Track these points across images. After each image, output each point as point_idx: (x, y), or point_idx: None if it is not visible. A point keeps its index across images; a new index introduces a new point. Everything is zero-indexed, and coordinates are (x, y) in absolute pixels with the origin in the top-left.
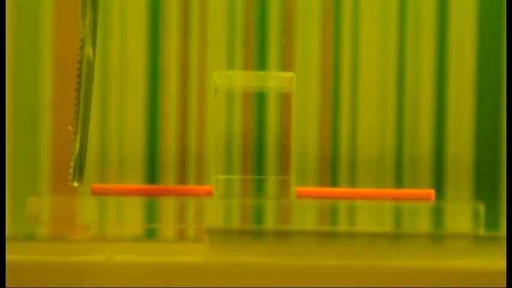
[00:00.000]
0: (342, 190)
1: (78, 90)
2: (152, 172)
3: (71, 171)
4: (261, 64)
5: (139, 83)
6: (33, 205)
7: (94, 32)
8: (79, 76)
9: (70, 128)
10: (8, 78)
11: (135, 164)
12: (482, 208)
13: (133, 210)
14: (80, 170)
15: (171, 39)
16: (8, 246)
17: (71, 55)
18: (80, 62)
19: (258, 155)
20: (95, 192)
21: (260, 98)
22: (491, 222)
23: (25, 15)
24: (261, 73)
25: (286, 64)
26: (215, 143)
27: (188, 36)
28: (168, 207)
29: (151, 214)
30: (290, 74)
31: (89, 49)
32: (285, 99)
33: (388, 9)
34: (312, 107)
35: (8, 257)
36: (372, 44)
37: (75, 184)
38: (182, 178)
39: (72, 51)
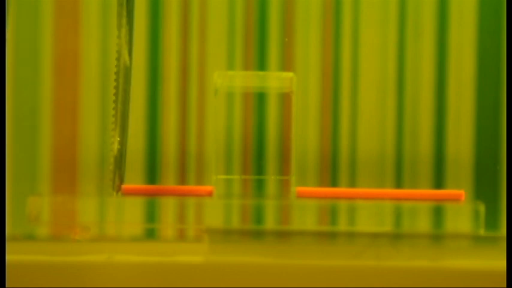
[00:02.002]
0: (342, 190)
1: (115, 101)
2: (152, 172)
3: (111, 181)
4: (261, 64)
5: (140, 83)
6: (33, 205)
7: (130, 42)
8: (116, 87)
9: (113, 138)
10: (8, 78)
11: (135, 164)
12: (482, 208)
13: (133, 210)
14: (120, 179)
15: (171, 39)
16: (8, 246)
17: (71, 55)
18: (117, 72)
19: (258, 155)
20: (125, 193)
21: (260, 98)
22: (491, 222)
23: (25, 15)
24: (261, 73)
25: (286, 64)
26: (215, 143)
27: (188, 36)
28: (168, 207)
29: (151, 214)
30: (290, 74)
31: (126, 58)
32: (285, 99)
33: (388, 9)
34: (312, 107)
35: (8, 257)
36: (372, 44)
37: (116, 193)
38: (182, 178)
39: (72, 51)
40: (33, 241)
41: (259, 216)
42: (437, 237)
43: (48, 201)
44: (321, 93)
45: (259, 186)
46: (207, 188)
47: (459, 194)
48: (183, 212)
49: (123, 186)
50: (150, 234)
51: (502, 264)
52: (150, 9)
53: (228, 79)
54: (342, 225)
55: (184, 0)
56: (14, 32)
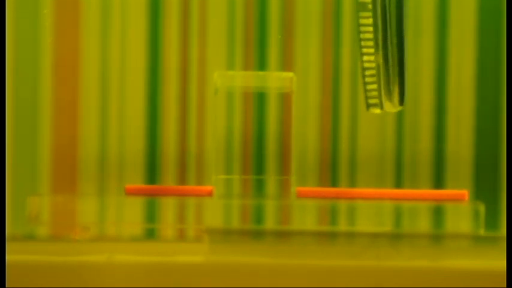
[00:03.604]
0: (342, 190)
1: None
2: (152, 172)
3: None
4: (261, 64)
5: (139, 83)
6: (33, 205)
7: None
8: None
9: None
10: (8, 78)
11: (135, 164)
12: (482, 208)
13: (133, 210)
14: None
15: (171, 39)
16: (8, 246)
17: (71, 55)
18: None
19: (258, 155)
20: (128, 193)
21: (260, 98)
22: (491, 222)
23: (25, 15)
24: (261, 73)
25: (286, 64)
26: (215, 143)
27: (188, 36)
28: (168, 207)
29: (151, 214)
30: (290, 74)
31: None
32: (285, 99)
33: None
34: (312, 107)
35: (8, 257)
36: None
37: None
38: (182, 178)
39: (72, 52)
40: (33, 241)
41: (259, 216)
42: (437, 237)
43: (48, 201)
44: (321, 93)
45: (259, 186)
46: (207, 188)
47: (462, 194)
48: (183, 212)
49: (127, 186)
50: (150, 234)
51: (502, 264)
52: (150, 9)
53: (228, 79)
54: (342, 225)
55: (184, 0)
56: (14, 32)
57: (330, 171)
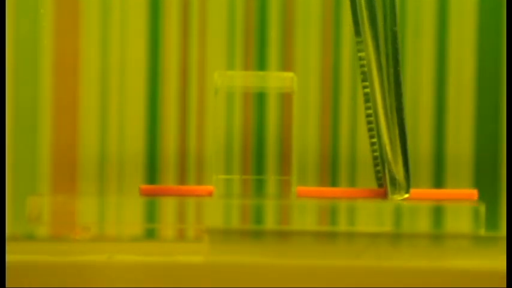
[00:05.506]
0: (341, 190)
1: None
2: (152, 172)
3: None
4: (261, 64)
5: (139, 83)
6: (33, 205)
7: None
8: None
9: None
10: (8, 78)
11: (135, 164)
12: (482, 208)
13: (133, 210)
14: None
15: (171, 39)
16: (8, 246)
17: (71, 55)
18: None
19: (258, 155)
20: (143, 193)
21: (260, 98)
22: (491, 222)
23: (25, 15)
24: (261, 73)
25: (286, 64)
26: (215, 143)
27: (188, 36)
28: (168, 207)
29: (151, 214)
30: (290, 74)
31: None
32: (285, 99)
33: None
34: (312, 107)
35: (8, 257)
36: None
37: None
38: (182, 178)
39: (72, 52)
40: (33, 241)
41: (259, 216)
42: (437, 237)
43: (48, 201)
44: (321, 93)
45: (259, 186)
46: (207, 188)
47: (472, 193)
48: (183, 212)
49: (141, 186)
50: (150, 234)
51: (502, 264)
52: (150, 9)
53: (228, 79)
54: (342, 225)
55: (184, 0)
56: (14, 32)
57: (330, 171)
